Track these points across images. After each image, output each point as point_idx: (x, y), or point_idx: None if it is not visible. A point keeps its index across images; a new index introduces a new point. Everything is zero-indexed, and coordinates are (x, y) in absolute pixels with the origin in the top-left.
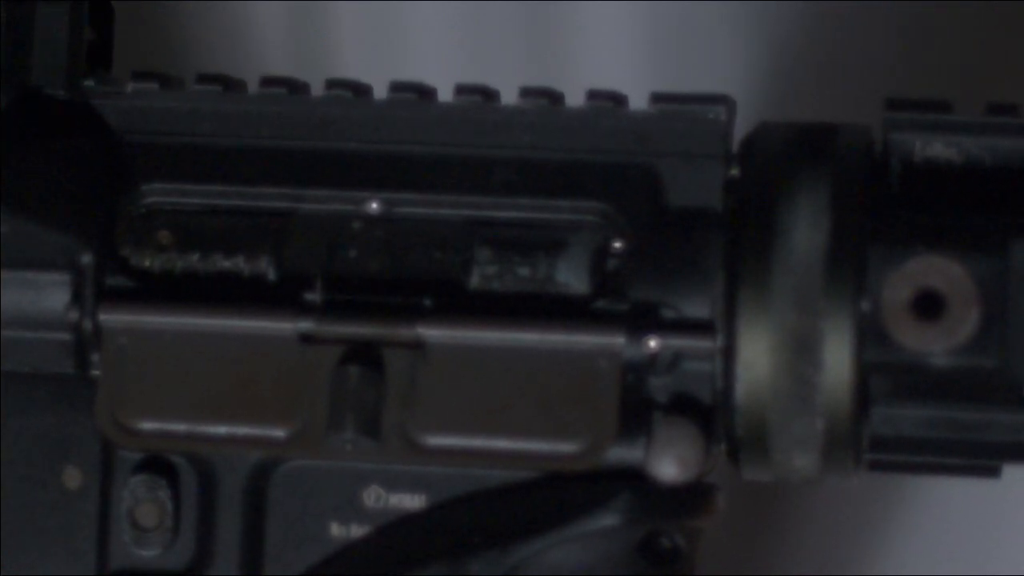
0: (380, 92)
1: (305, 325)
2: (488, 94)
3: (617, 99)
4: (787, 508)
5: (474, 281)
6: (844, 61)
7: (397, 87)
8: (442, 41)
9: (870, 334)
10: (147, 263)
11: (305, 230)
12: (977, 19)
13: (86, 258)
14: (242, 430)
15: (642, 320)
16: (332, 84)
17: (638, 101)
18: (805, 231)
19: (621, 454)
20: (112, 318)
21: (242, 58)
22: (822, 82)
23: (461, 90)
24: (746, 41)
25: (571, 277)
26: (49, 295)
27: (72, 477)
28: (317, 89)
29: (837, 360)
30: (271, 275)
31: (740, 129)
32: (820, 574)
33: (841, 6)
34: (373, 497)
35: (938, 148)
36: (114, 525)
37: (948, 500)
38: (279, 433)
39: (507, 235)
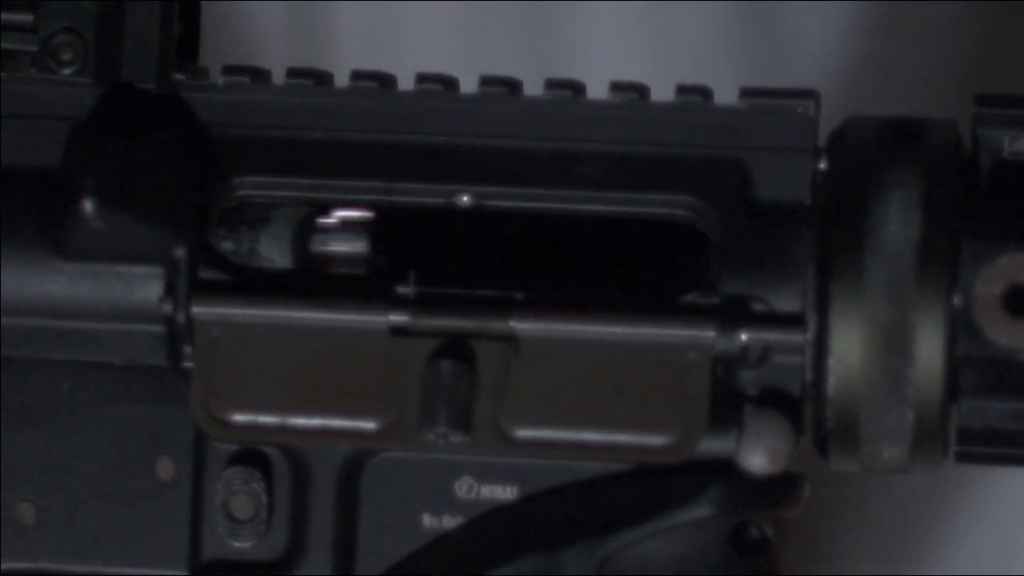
0: (468, 86)
1: (397, 318)
2: (577, 88)
3: (705, 93)
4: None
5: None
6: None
7: (487, 81)
8: (441, 38)
9: (961, 328)
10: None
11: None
12: None
13: (179, 251)
14: (334, 423)
15: (733, 313)
16: (422, 78)
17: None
18: (897, 225)
19: (712, 446)
20: (205, 311)
21: (242, 55)
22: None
23: (551, 84)
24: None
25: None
26: (142, 288)
27: (165, 468)
28: (404, 83)
29: (928, 353)
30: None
31: None
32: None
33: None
34: (465, 488)
35: None
36: (207, 516)
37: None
38: (371, 426)
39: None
